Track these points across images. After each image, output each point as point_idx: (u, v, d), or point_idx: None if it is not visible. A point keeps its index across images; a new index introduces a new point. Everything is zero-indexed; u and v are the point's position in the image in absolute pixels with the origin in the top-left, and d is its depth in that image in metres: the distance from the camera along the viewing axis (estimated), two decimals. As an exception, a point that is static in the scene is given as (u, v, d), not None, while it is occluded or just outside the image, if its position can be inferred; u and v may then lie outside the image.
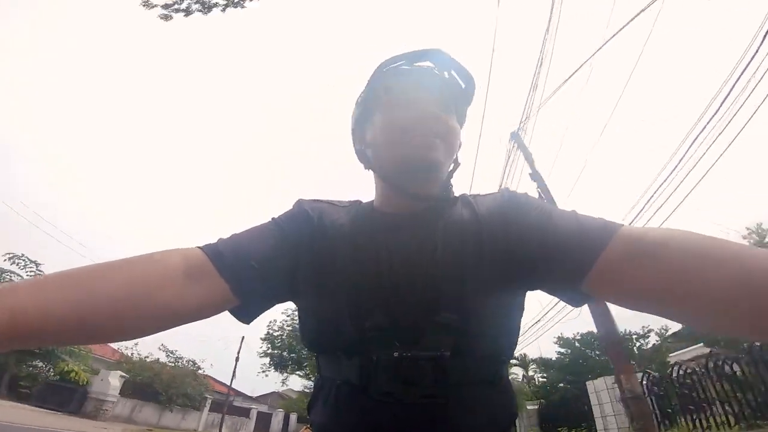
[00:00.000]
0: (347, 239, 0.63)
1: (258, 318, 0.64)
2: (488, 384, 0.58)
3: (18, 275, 14.69)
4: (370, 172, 0.72)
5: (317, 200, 0.71)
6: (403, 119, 0.63)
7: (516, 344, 0.62)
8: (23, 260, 15.55)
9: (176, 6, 7.18)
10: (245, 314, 0.61)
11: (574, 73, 7.21)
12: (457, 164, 0.69)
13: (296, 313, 0.70)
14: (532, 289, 0.61)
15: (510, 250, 0.58)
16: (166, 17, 7.22)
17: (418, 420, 0.53)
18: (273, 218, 0.67)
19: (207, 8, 7.40)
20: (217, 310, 0.57)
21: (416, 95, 0.64)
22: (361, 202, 0.74)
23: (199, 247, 0.58)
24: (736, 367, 6.41)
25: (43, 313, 0.42)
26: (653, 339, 15.02)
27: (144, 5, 6.96)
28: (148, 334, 0.52)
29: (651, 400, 7.85)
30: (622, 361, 6.26)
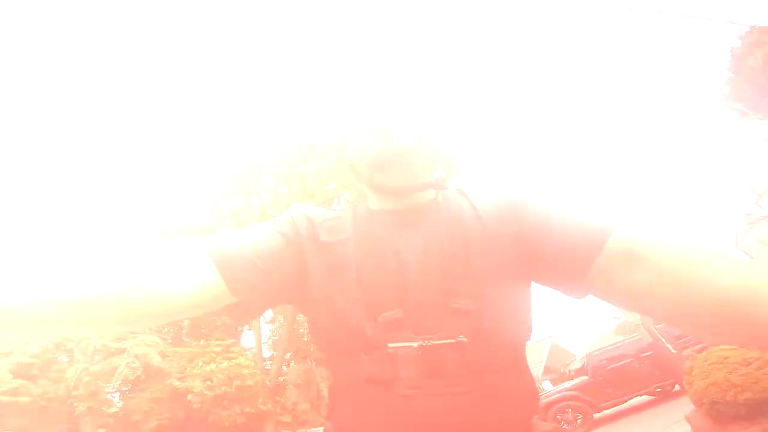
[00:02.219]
0: (352, 239, 0.64)
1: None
2: (509, 370, 0.58)
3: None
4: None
5: (310, 206, 0.71)
6: (364, 121, 0.65)
7: (531, 328, 0.63)
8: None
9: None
10: (245, 311, 0.62)
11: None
12: (433, 150, 0.71)
13: None
14: (536, 282, 0.63)
15: (511, 247, 0.60)
16: None
17: (444, 412, 0.52)
18: (271, 221, 0.67)
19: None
20: (214, 304, 0.58)
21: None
22: (355, 205, 0.73)
23: (198, 241, 0.59)
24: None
25: (21, 295, 0.43)
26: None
27: None
28: (143, 324, 0.53)
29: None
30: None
